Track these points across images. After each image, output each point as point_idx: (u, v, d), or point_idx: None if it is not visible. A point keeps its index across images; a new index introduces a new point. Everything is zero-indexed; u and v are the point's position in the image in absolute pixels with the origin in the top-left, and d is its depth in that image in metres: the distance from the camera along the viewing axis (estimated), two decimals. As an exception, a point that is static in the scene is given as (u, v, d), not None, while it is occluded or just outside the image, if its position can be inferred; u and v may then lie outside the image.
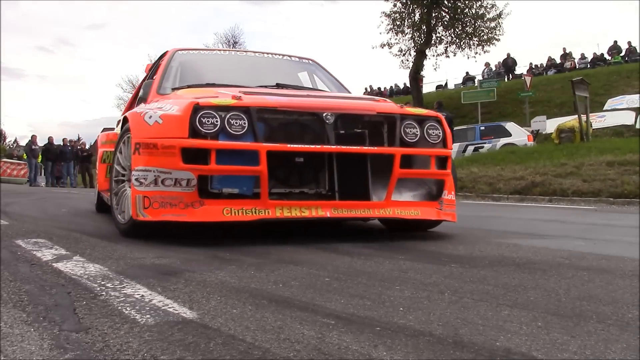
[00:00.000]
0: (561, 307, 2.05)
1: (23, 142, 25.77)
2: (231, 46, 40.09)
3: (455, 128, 14.50)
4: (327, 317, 1.89)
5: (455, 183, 5.97)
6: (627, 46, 27.05)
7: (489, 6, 23.38)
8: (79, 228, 4.49)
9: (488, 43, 23.63)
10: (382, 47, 25.05)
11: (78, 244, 3.54)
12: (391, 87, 34.36)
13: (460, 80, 31.23)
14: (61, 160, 18.55)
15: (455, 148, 13.16)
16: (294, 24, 78.47)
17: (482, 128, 15.50)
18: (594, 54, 28.30)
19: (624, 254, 3.21)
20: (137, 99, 5.19)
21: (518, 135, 14.85)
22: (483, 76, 27.62)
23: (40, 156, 18.86)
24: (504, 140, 14.70)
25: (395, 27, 24.68)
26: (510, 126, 15.40)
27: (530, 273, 2.67)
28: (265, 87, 4.30)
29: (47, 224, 4.79)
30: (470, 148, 14.45)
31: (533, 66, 29.63)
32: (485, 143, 14.48)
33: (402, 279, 2.52)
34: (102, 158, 6.42)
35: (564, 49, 29.46)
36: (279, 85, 4.41)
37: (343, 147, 3.43)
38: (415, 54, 24.31)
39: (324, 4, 72.15)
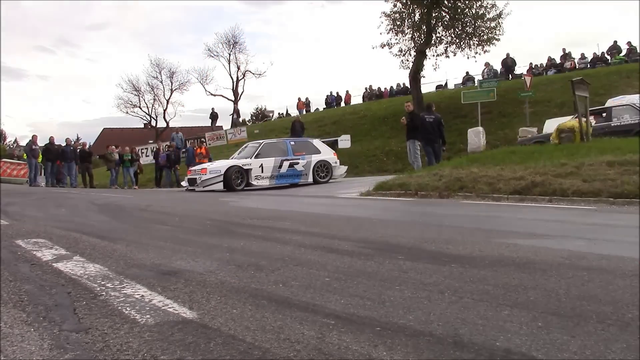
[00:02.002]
0: (561, 307, 2.05)
1: (23, 142, 25.80)
2: (231, 46, 40.12)
3: (266, 140, 14.63)
4: (327, 317, 1.89)
5: None
6: (627, 46, 27.06)
7: (489, 6, 23.34)
8: (79, 228, 4.49)
9: (488, 43, 23.60)
10: (382, 47, 25.01)
11: (78, 244, 3.54)
12: (391, 87, 34.33)
13: (460, 80, 31.23)
14: (62, 161, 18.55)
15: (270, 163, 13.19)
16: (294, 25, 78.50)
17: (292, 143, 14.36)
18: (594, 54, 28.26)
19: (624, 254, 3.20)
20: None
21: (326, 152, 14.37)
22: (483, 76, 27.62)
23: (40, 156, 18.86)
24: (316, 157, 13.94)
25: (396, 27, 24.65)
26: (317, 143, 14.80)
27: (530, 273, 2.66)
28: None
29: (47, 224, 4.79)
30: (286, 164, 13.47)
31: (533, 66, 29.63)
32: (299, 159, 13.63)
33: (402, 279, 2.52)
34: None
35: (564, 49, 29.47)
36: None
37: None
38: (415, 54, 24.29)
39: (325, 4, 72.17)
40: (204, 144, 20.78)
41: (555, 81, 23.24)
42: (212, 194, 11.62)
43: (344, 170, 15.01)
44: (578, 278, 2.56)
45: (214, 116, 33.91)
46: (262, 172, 13.35)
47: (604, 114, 13.89)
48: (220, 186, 12.61)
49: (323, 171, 14.26)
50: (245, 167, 13.12)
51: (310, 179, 13.99)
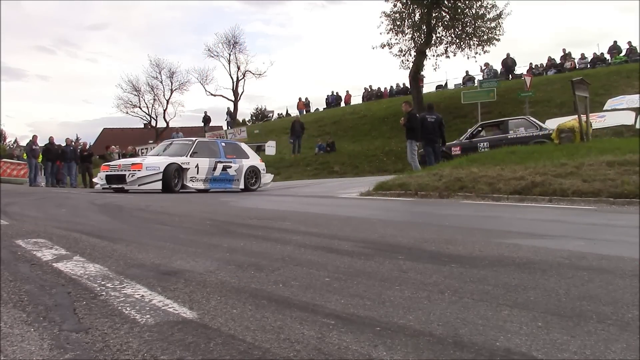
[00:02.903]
0: (561, 307, 2.05)
1: (23, 142, 25.79)
2: (231, 46, 40.12)
3: (199, 139, 13.70)
4: (327, 317, 1.89)
5: None
6: (627, 46, 27.08)
7: (489, 6, 23.41)
8: (79, 228, 4.49)
9: (488, 43, 23.65)
10: (382, 47, 25.07)
11: (78, 244, 3.54)
12: (391, 87, 34.35)
13: (460, 80, 31.27)
14: (62, 161, 18.56)
15: (205, 164, 11.96)
16: (294, 25, 78.50)
17: (224, 144, 13.24)
18: (594, 54, 28.31)
19: (624, 254, 3.20)
20: None
21: (254, 158, 13.46)
22: (483, 76, 27.65)
23: (40, 156, 18.86)
24: (246, 162, 12.90)
25: (396, 27, 24.68)
26: (245, 147, 13.90)
27: (530, 273, 2.66)
28: None
29: (47, 224, 4.79)
30: (220, 166, 12.26)
31: (533, 66, 29.66)
32: (232, 162, 12.48)
33: (402, 279, 2.52)
34: None
35: (564, 49, 29.50)
36: None
37: None
38: (415, 54, 24.33)
39: (325, 4, 72.15)
40: None
41: (555, 81, 23.26)
42: (213, 194, 11.60)
43: (270, 179, 14.00)
44: (578, 278, 2.56)
45: (206, 119, 33.72)
46: (198, 173, 11.99)
47: (500, 126, 14.43)
48: (158, 185, 11.18)
49: (253, 177, 13.07)
50: (183, 166, 11.71)
51: (242, 185, 12.76)
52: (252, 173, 13.06)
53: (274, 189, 13.16)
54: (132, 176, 11.19)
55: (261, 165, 13.48)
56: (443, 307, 2.04)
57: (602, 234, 4.31)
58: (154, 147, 15.91)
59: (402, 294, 2.24)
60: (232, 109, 36.13)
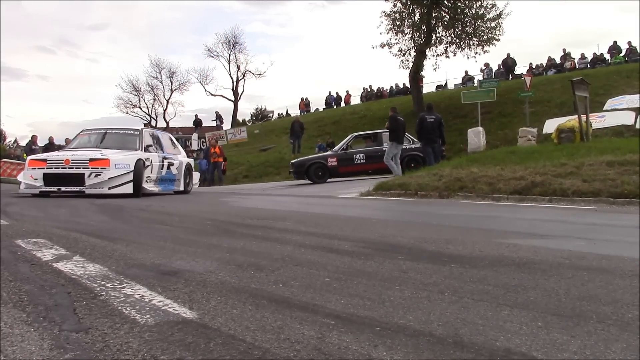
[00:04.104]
0: (561, 307, 2.05)
1: (23, 142, 25.79)
2: (231, 46, 40.10)
3: (146, 129, 11.06)
4: (327, 317, 1.89)
5: None
6: (627, 46, 27.09)
7: (489, 6, 23.40)
8: (79, 228, 4.49)
9: (488, 43, 23.65)
10: (382, 47, 25.06)
11: (78, 244, 3.54)
12: (391, 87, 34.35)
13: (460, 80, 31.27)
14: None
15: (156, 160, 9.74)
16: (294, 25, 78.55)
17: (162, 135, 11.11)
18: (594, 54, 28.30)
19: (624, 254, 3.20)
20: None
21: (183, 152, 11.62)
22: (483, 76, 27.65)
23: (40, 156, 18.91)
24: (182, 158, 11.09)
25: (395, 27, 24.67)
26: (174, 139, 11.83)
27: (530, 273, 2.66)
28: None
29: (47, 224, 4.79)
30: (166, 163, 10.26)
31: (533, 66, 29.66)
32: (173, 158, 10.49)
33: (402, 279, 2.52)
34: None
35: (564, 49, 29.51)
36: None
37: None
38: (415, 54, 24.32)
39: (325, 4, 72.19)
40: (218, 142, 20.55)
41: (555, 81, 23.24)
42: (212, 194, 11.58)
43: (197, 178, 12.77)
44: (578, 278, 2.56)
45: (197, 122, 33.58)
46: (151, 172, 9.66)
47: (374, 138, 14.65)
48: (129, 188, 8.76)
49: (187, 176, 11.13)
50: (146, 163, 9.39)
51: (182, 186, 10.79)
52: (188, 171, 11.24)
53: (274, 189, 13.15)
54: (96, 176, 8.67)
55: (191, 161, 11.84)
56: (443, 307, 2.04)
57: (602, 234, 4.31)
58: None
59: (402, 294, 2.24)
60: (220, 113, 35.80)
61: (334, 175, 14.25)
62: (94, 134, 10.34)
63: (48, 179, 8.83)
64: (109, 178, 8.69)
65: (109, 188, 8.72)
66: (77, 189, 8.71)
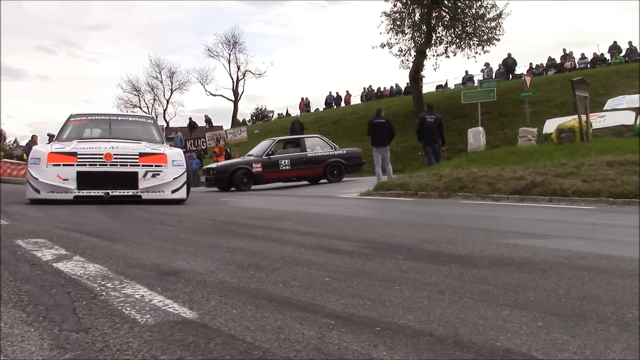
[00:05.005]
0: (561, 307, 2.05)
1: (23, 142, 25.79)
2: (231, 46, 40.09)
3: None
4: (327, 317, 1.89)
5: None
6: (627, 46, 27.10)
7: (489, 6, 23.40)
8: (79, 228, 4.49)
9: (488, 43, 23.64)
10: (382, 47, 25.03)
11: (78, 244, 3.54)
12: (391, 87, 34.36)
13: (460, 80, 31.28)
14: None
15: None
16: (295, 25, 78.54)
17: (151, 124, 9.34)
18: (594, 54, 28.31)
19: (624, 254, 3.20)
20: None
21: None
22: (483, 76, 27.67)
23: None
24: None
25: (396, 27, 24.66)
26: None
27: (530, 273, 2.66)
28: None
29: (47, 224, 4.79)
30: None
31: (533, 66, 29.66)
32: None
33: (402, 279, 2.52)
34: None
35: (564, 49, 29.51)
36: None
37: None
38: (415, 54, 24.31)
39: (326, 4, 72.17)
40: (220, 142, 20.51)
41: (555, 81, 23.23)
42: (211, 193, 11.59)
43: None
44: (578, 278, 2.56)
45: (191, 125, 33.53)
46: None
47: (299, 146, 14.44)
48: (184, 192, 7.26)
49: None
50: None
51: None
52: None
53: (274, 189, 13.13)
54: (154, 176, 6.95)
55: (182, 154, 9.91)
56: (443, 307, 2.04)
57: (602, 234, 4.31)
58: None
59: (402, 294, 2.24)
60: (210, 116, 35.60)
61: (258, 182, 13.32)
62: (93, 121, 8.36)
63: (85, 179, 6.75)
64: (173, 179, 6.99)
65: (172, 192, 7.02)
66: (131, 193, 6.86)
